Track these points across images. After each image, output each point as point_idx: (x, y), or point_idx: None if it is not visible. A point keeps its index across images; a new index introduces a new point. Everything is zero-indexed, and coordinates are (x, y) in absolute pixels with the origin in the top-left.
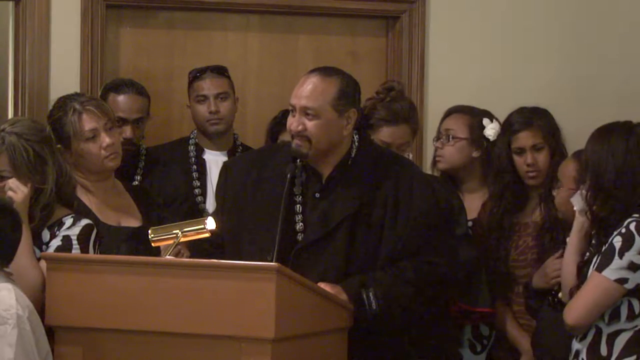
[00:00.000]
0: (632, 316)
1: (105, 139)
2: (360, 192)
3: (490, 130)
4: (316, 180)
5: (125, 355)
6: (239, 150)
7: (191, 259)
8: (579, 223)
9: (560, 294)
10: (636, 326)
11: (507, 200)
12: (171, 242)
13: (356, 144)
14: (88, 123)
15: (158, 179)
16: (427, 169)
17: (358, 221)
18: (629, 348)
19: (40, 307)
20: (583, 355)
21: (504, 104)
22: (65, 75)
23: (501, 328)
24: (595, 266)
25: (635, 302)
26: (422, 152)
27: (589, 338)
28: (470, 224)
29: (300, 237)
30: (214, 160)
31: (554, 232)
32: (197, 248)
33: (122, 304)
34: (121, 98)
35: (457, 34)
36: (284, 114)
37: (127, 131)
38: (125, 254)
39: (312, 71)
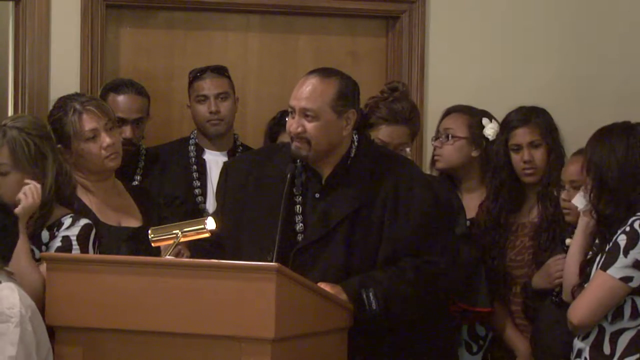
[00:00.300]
0: (635, 315)
1: (106, 139)
2: (360, 192)
3: (490, 129)
4: (316, 181)
5: (125, 355)
6: (239, 150)
7: (191, 259)
8: (584, 222)
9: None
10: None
11: (503, 198)
12: (171, 242)
13: (356, 144)
14: (88, 123)
15: (158, 179)
16: (427, 168)
17: (358, 221)
18: (633, 346)
19: (41, 308)
20: (586, 354)
21: (504, 104)
22: (65, 75)
23: (498, 329)
24: (599, 265)
25: (639, 300)
26: (422, 152)
27: (592, 336)
28: (468, 223)
29: (300, 237)
30: (214, 161)
31: (551, 231)
32: (197, 248)
33: (122, 304)
34: (121, 98)
35: (457, 34)
36: (283, 114)
37: (127, 131)
38: (125, 254)
39: (311, 72)
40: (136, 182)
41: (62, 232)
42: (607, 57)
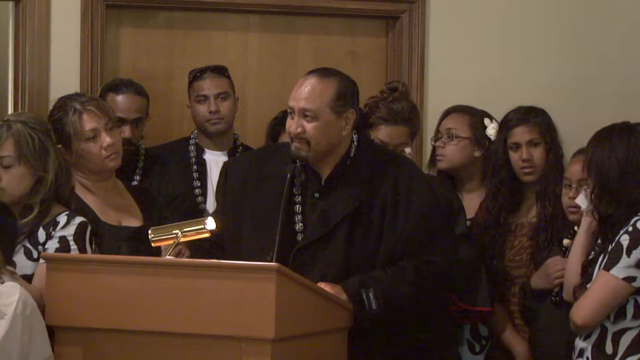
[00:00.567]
0: (638, 314)
1: (106, 139)
2: (360, 192)
3: (492, 130)
4: (316, 180)
5: (125, 355)
6: (239, 150)
7: (191, 259)
8: (587, 222)
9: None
10: None
11: (503, 197)
12: (171, 242)
13: (355, 143)
14: (88, 123)
15: (158, 179)
16: (427, 168)
17: (357, 221)
18: (635, 346)
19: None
20: (588, 353)
21: (504, 104)
22: (65, 75)
23: (496, 329)
24: (602, 265)
25: None
26: (422, 152)
27: (594, 336)
28: (468, 223)
29: (299, 237)
30: (214, 160)
31: (549, 231)
32: (197, 248)
33: (122, 304)
34: (120, 98)
35: (457, 34)
36: (284, 114)
37: (126, 131)
38: (125, 254)
39: (310, 73)
40: (135, 182)
41: (59, 232)
42: (607, 57)
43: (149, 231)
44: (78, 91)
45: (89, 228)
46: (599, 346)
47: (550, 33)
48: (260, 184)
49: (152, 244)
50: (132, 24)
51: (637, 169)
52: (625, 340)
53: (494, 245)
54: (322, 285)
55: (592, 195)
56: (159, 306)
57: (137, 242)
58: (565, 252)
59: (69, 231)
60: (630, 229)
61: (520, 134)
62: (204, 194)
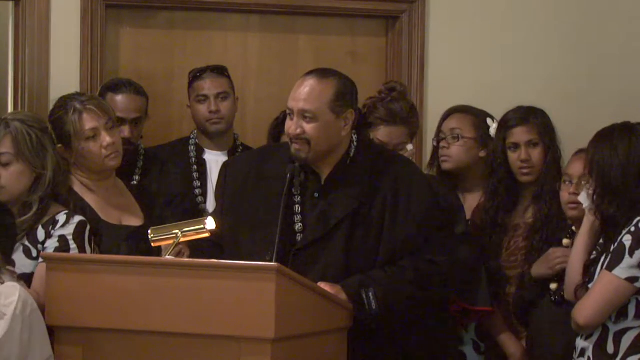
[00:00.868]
0: (639, 314)
1: (106, 138)
2: (360, 192)
3: (495, 129)
4: (315, 180)
5: (125, 355)
6: (239, 150)
7: (191, 259)
8: (589, 222)
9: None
10: None
11: (501, 197)
12: (171, 242)
13: (355, 143)
14: (89, 122)
15: (157, 179)
16: (427, 168)
17: (357, 221)
18: (636, 346)
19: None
20: (589, 353)
21: (504, 104)
22: (65, 75)
23: (491, 330)
24: (605, 265)
25: None
26: (422, 152)
27: (596, 336)
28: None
29: (299, 237)
30: (214, 160)
31: (544, 232)
32: (196, 248)
33: (122, 304)
34: (119, 98)
35: (457, 34)
36: (285, 114)
37: (125, 131)
38: (125, 253)
39: (309, 73)
40: (135, 182)
41: (58, 232)
42: (607, 57)
43: (149, 231)
44: (78, 91)
45: (88, 227)
46: (600, 346)
47: (550, 33)
48: (259, 184)
49: (152, 244)
50: (132, 24)
51: (638, 168)
52: (627, 340)
53: (490, 245)
54: (322, 285)
55: (594, 196)
56: (159, 306)
57: (137, 241)
58: (558, 273)
59: (69, 230)
60: (632, 229)
61: (520, 134)
62: (204, 194)
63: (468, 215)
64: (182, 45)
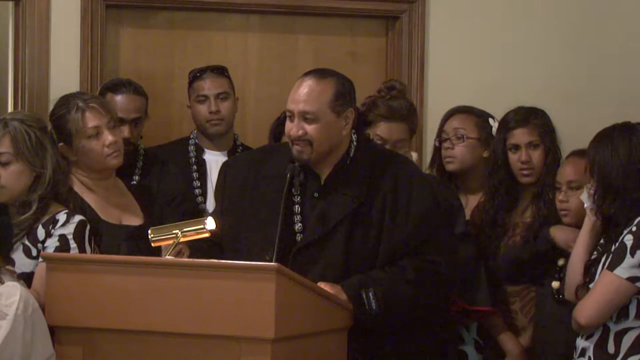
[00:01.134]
0: None
1: (108, 137)
2: (359, 192)
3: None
4: (315, 180)
5: (125, 355)
6: (239, 150)
7: (191, 259)
8: (590, 221)
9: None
10: None
11: (500, 197)
12: (171, 242)
13: (354, 143)
14: (91, 120)
15: (157, 179)
16: (425, 168)
17: (357, 220)
18: (637, 346)
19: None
20: (590, 352)
21: (504, 104)
22: (65, 75)
23: (490, 329)
24: (606, 265)
25: None
26: (422, 152)
27: (596, 336)
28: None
29: (299, 237)
30: (214, 161)
31: (541, 231)
32: (195, 248)
33: (122, 304)
34: (119, 98)
35: (457, 34)
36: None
37: (125, 131)
38: (125, 253)
39: (307, 74)
40: (134, 182)
41: (58, 231)
42: (607, 57)
43: (149, 231)
44: (79, 91)
45: (88, 226)
46: (601, 346)
47: (550, 33)
48: (259, 184)
49: (152, 244)
50: (132, 24)
51: (639, 168)
52: (628, 340)
53: (489, 245)
54: (322, 285)
55: (595, 196)
56: (159, 306)
57: (137, 240)
58: (560, 271)
59: (69, 229)
60: (634, 229)
61: (520, 135)
62: (204, 194)
63: (469, 216)
64: (182, 45)
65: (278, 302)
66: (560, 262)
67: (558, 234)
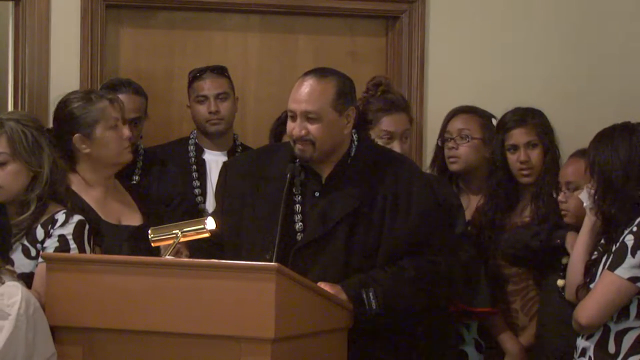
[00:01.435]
0: None
1: (126, 131)
2: (360, 191)
3: None
4: (315, 180)
5: (125, 355)
6: (239, 150)
7: (191, 259)
8: (590, 221)
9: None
10: None
11: (499, 198)
12: (171, 242)
13: (355, 143)
14: (113, 112)
15: (157, 179)
16: (427, 168)
17: (357, 220)
18: (637, 346)
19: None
20: (590, 352)
21: (504, 104)
22: (65, 75)
23: (490, 329)
24: (607, 265)
25: None
26: (422, 152)
27: (597, 336)
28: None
29: (299, 236)
30: (214, 160)
31: (557, 231)
32: (196, 248)
33: (122, 304)
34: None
35: (457, 34)
36: (287, 114)
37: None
38: (127, 253)
39: (307, 74)
40: (134, 182)
41: (57, 231)
42: (607, 57)
43: (149, 231)
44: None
45: (87, 226)
46: (601, 345)
47: (550, 33)
48: (260, 184)
49: (152, 244)
50: (132, 24)
51: (639, 168)
52: (628, 340)
53: (489, 246)
54: (322, 285)
55: (596, 196)
56: (159, 306)
57: (137, 241)
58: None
59: (68, 230)
60: (634, 229)
61: (519, 135)
62: (204, 194)
63: (471, 217)
64: (182, 45)
65: (278, 302)
66: (565, 260)
67: (569, 239)
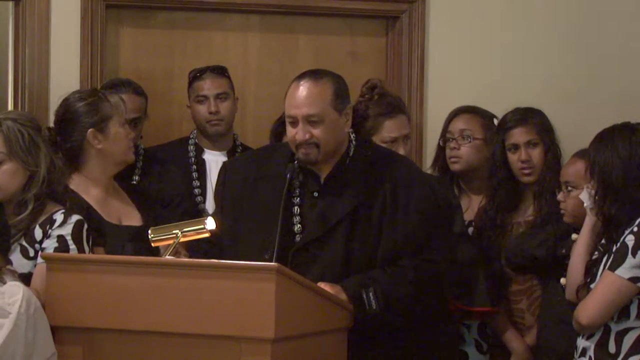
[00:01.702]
0: None
1: (131, 131)
2: (359, 191)
3: None
4: (314, 180)
5: (125, 355)
6: (239, 150)
7: (191, 259)
8: (590, 222)
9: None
10: None
11: (501, 198)
12: (171, 242)
13: (354, 143)
14: (123, 109)
15: (157, 179)
16: (427, 168)
17: (356, 220)
18: (638, 346)
19: None
20: (591, 352)
21: (504, 104)
22: (65, 75)
23: (495, 328)
24: (607, 265)
25: None
26: (422, 152)
27: (597, 336)
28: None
29: (298, 237)
30: (214, 161)
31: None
32: (195, 248)
33: (122, 304)
34: None
35: (457, 34)
36: None
37: None
38: (130, 253)
39: (300, 78)
40: (134, 182)
41: (56, 231)
42: (607, 57)
43: (149, 231)
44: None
45: (86, 226)
46: (601, 346)
47: (550, 33)
48: (259, 184)
49: (152, 244)
50: (132, 24)
51: (639, 168)
52: (628, 340)
53: (491, 246)
54: (322, 285)
55: (596, 196)
56: (159, 306)
57: (140, 241)
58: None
59: (67, 230)
60: (635, 229)
61: (519, 135)
62: (204, 194)
63: (472, 217)
64: (182, 45)
65: (278, 302)
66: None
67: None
